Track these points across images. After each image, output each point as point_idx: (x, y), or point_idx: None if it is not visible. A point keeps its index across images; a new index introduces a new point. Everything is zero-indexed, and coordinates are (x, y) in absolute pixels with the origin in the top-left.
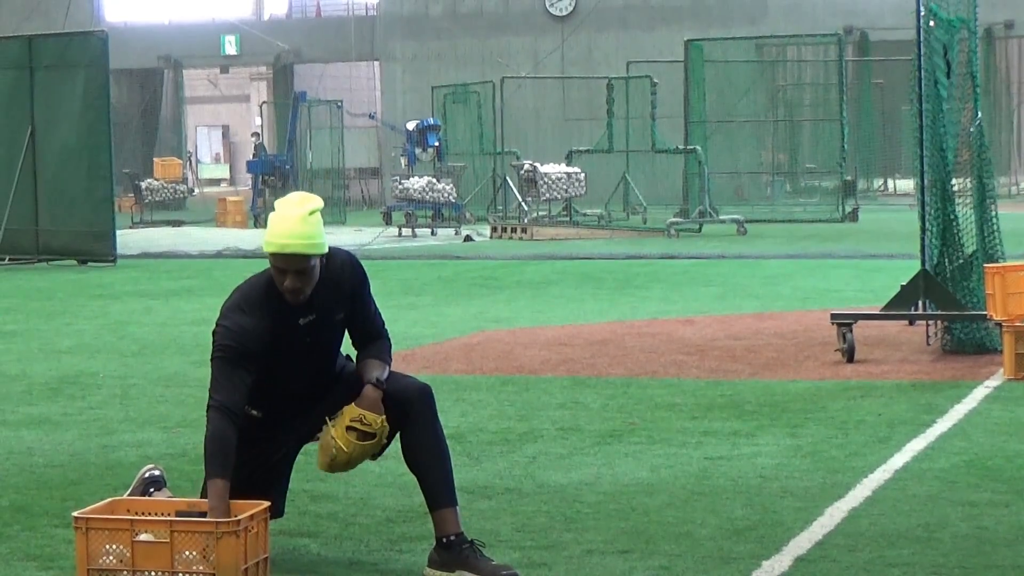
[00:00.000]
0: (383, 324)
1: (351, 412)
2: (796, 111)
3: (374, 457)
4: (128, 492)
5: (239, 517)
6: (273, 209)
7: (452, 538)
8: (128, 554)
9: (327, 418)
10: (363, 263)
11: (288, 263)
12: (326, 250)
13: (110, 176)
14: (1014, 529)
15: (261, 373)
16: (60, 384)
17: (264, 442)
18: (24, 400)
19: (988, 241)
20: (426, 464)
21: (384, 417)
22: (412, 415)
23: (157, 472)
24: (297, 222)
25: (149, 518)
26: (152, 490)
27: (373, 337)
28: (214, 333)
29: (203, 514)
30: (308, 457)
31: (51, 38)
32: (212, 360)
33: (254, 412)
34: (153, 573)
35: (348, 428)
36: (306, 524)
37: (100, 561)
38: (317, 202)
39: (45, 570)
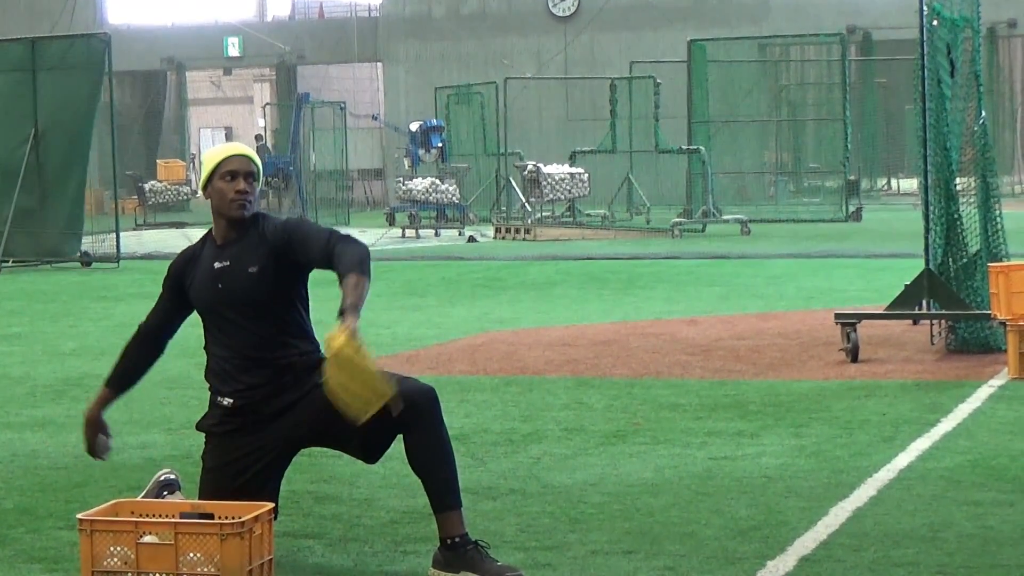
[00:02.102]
0: (339, 234)
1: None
2: (799, 111)
3: (367, 461)
4: (143, 494)
5: (244, 518)
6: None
7: (456, 539)
8: (133, 556)
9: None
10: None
11: (241, 164)
12: (261, 173)
13: (114, 178)
14: (1019, 528)
15: (207, 329)
16: (64, 386)
17: (242, 438)
18: (28, 402)
19: (992, 240)
20: (431, 466)
21: (342, 332)
22: (417, 418)
23: (172, 476)
24: (234, 143)
25: (153, 520)
26: (166, 493)
27: (334, 247)
28: None
29: (208, 516)
30: (312, 458)
31: (54, 40)
32: None
33: (226, 401)
34: (158, 575)
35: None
36: (310, 525)
37: (105, 563)
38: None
39: (50, 572)
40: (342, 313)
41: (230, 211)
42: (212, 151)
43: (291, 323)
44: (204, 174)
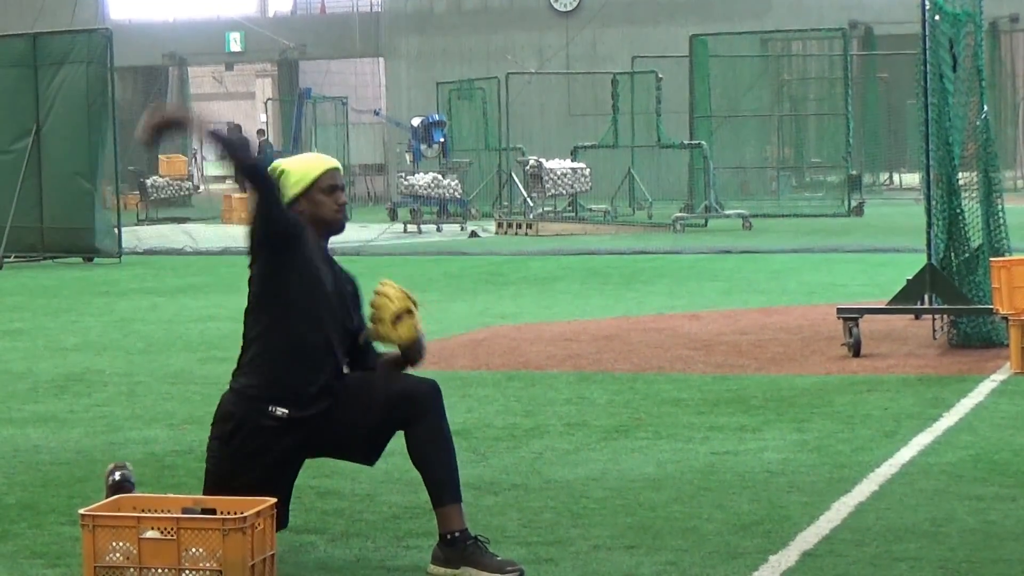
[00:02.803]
0: None
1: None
2: (801, 106)
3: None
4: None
5: (246, 514)
6: None
7: (456, 534)
8: (135, 551)
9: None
10: (368, 259)
11: (339, 179)
12: None
13: (115, 173)
14: (1021, 523)
15: (297, 299)
16: (66, 382)
17: (268, 452)
18: (30, 398)
19: (994, 235)
20: (431, 461)
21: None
22: (420, 412)
23: (118, 476)
24: (320, 155)
25: (155, 515)
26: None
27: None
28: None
29: (211, 511)
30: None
31: (55, 36)
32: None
33: (279, 411)
34: (160, 570)
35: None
36: (312, 521)
37: (107, 558)
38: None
39: (52, 567)
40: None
41: (335, 221)
42: (303, 164)
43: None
44: (296, 189)
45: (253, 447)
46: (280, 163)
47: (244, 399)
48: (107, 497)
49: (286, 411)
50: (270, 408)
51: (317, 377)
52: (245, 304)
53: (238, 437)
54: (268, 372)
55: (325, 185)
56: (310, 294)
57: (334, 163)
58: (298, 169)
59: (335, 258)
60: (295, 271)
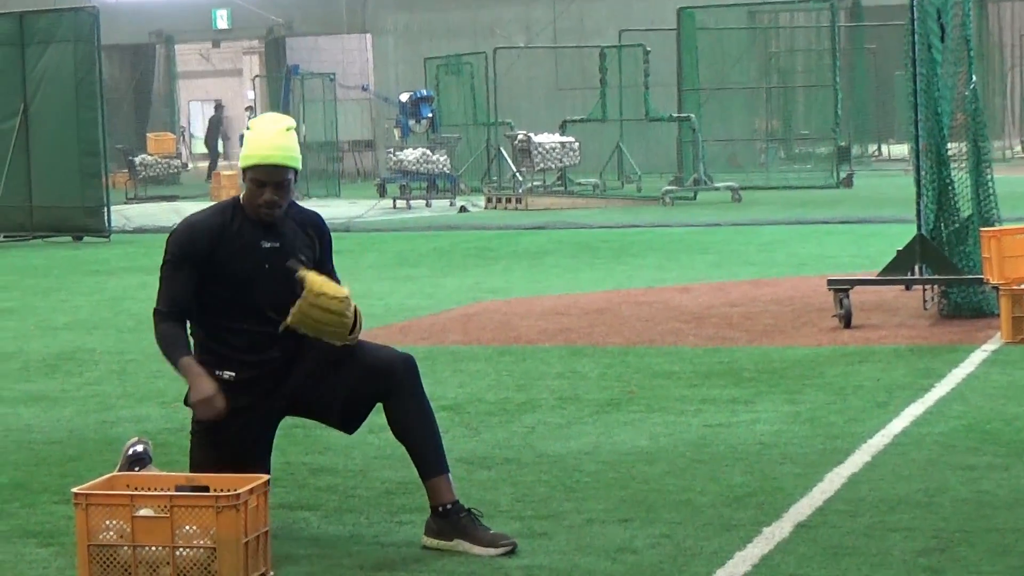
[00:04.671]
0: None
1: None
2: (789, 78)
3: (344, 430)
4: (117, 469)
5: (239, 491)
6: None
7: (448, 507)
8: (128, 529)
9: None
10: (358, 235)
11: (268, 175)
12: (300, 166)
13: (102, 151)
14: (1014, 492)
15: (219, 307)
16: (57, 361)
17: (243, 413)
18: (21, 377)
19: (984, 205)
20: (414, 434)
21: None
22: (396, 385)
23: (140, 448)
24: (276, 136)
25: (149, 493)
26: (137, 468)
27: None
28: (166, 242)
29: (203, 488)
30: (307, 430)
31: (42, 14)
32: (160, 268)
33: (227, 374)
34: (154, 548)
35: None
36: (306, 497)
37: (100, 537)
38: (291, 120)
39: (45, 546)
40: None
41: (257, 215)
42: (249, 143)
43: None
44: (241, 164)
45: None
46: (252, 123)
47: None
48: (120, 469)
49: (232, 373)
50: (217, 372)
51: (253, 346)
52: None
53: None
54: (210, 347)
55: (253, 176)
56: (230, 291)
57: (269, 156)
58: (246, 145)
59: (300, 204)
60: (207, 284)
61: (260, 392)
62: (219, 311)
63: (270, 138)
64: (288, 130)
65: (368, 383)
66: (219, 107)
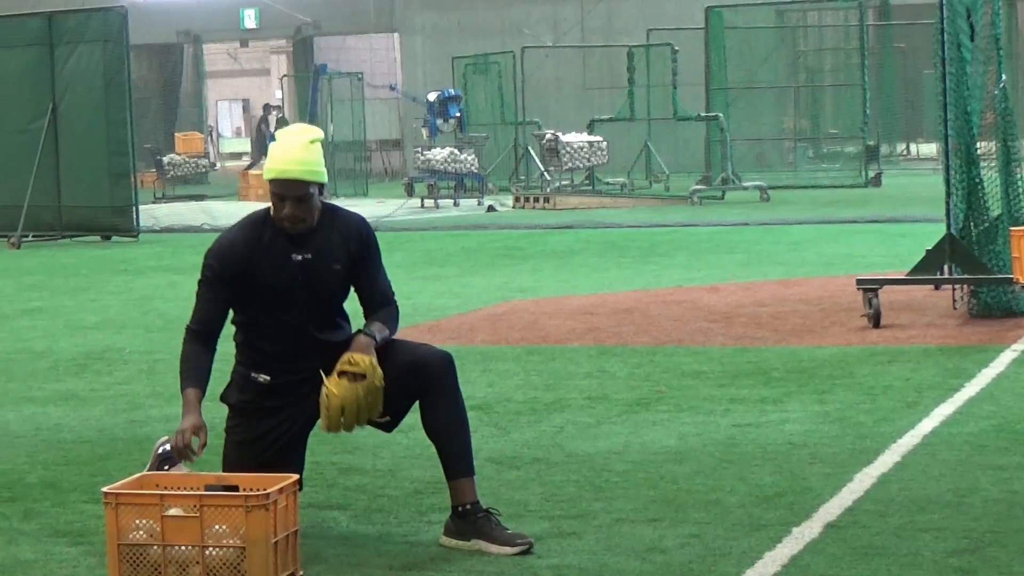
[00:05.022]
0: (392, 294)
1: (340, 360)
2: (818, 77)
3: (384, 429)
4: (147, 468)
5: (269, 490)
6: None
7: (468, 507)
8: (158, 528)
9: (323, 373)
10: (386, 235)
11: (287, 189)
12: (325, 179)
13: (131, 151)
14: None
15: (254, 317)
16: (86, 360)
17: (278, 413)
18: (51, 376)
19: (1013, 204)
20: (445, 433)
21: (374, 358)
22: (433, 383)
23: (171, 447)
24: (298, 149)
25: (179, 492)
26: (167, 467)
27: (380, 304)
28: (203, 258)
29: (233, 488)
30: None
31: (71, 14)
32: (197, 283)
33: (262, 378)
34: (183, 547)
35: (339, 374)
36: (335, 497)
37: (130, 536)
38: (318, 132)
39: (75, 545)
40: (370, 331)
41: (280, 225)
42: (270, 156)
43: (341, 312)
44: (264, 175)
45: (252, 409)
46: (278, 133)
47: (236, 376)
48: (150, 468)
49: (267, 377)
50: (252, 375)
51: (288, 353)
52: None
53: (239, 406)
54: (247, 351)
55: (272, 191)
56: (265, 304)
57: (288, 171)
58: (269, 157)
59: (341, 207)
60: (243, 297)
61: (295, 396)
62: (256, 321)
63: (292, 151)
64: (312, 142)
65: (406, 381)
66: (267, 108)
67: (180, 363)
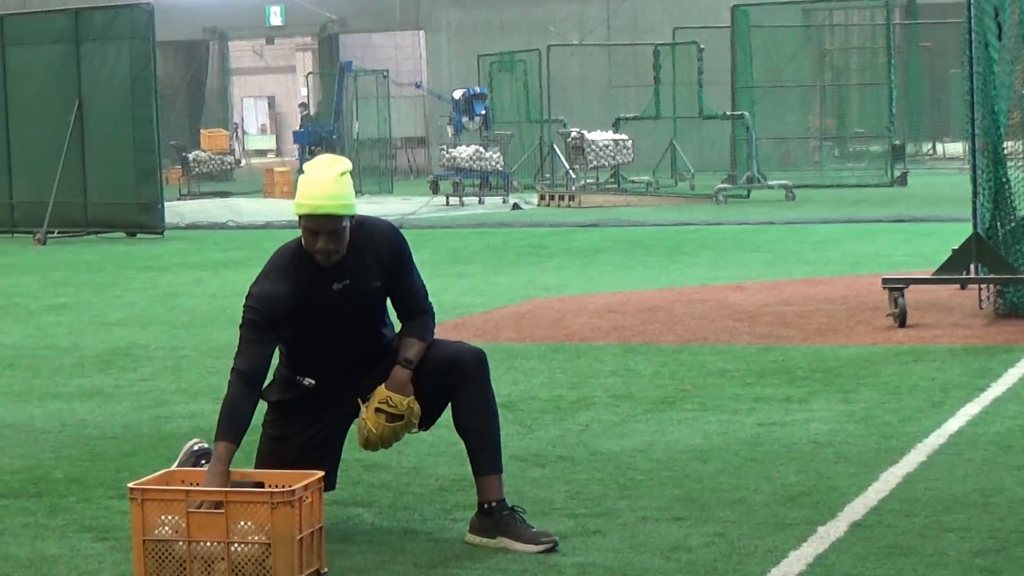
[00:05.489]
0: (426, 297)
1: (380, 394)
2: (843, 75)
3: (419, 429)
4: (176, 464)
5: (294, 487)
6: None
7: (493, 504)
8: (184, 525)
9: (360, 400)
10: (411, 232)
11: (320, 225)
12: (356, 211)
13: (157, 148)
14: None
15: (299, 340)
16: (112, 356)
17: (318, 412)
18: (76, 372)
19: None
20: (474, 430)
21: (412, 398)
22: (466, 380)
23: (206, 445)
24: (328, 183)
25: (204, 488)
26: (204, 462)
27: (414, 312)
28: (245, 299)
29: (258, 484)
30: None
31: (97, 11)
32: (240, 328)
33: (307, 381)
34: (209, 543)
35: (376, 410)
36: (360, 494)
37: (156, 532)
38: (346, 164)
39: (101, 541)
40: (408, 362)
41: (316, 259)
42: (299, 190)
43: (383, 320)
44: (294, 209)
45: (292, 408)
46: (306, 166)
47: (279, 376)
48: (182, 463)
49: (312, 381)
50: (298, 378)
51: (334, 364)
52: None
53: (279, 404)
54: (292, 360)
55: (304, 226)
56: (309, 333)
57: (320, 207)
58: (299, 191)
59: (372, 219)
60: (292, 335)
61: (337, 398)
62: (301, 345)
63: (323, 186)
64: (342, 175)
65: (440, 378)
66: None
67: (222, 407)
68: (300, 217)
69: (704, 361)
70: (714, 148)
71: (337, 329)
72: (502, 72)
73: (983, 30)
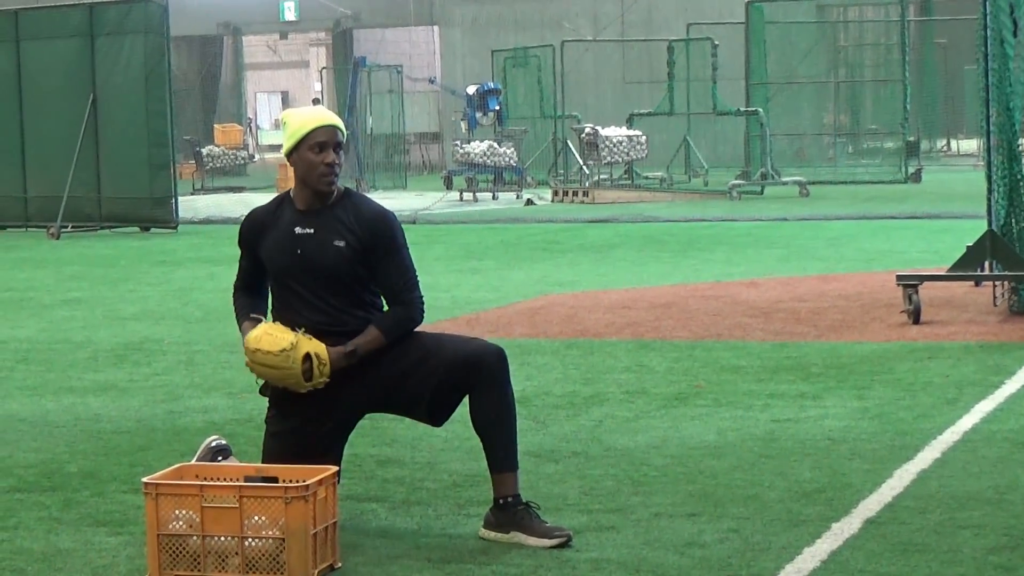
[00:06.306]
0: (413, 287)
1: (322, 350)
2: (858, 72)
3: (433, 424)
4: (195, 459)
5: (308, 482)
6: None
7: (508, 499)
8: (198, 519)
9: (304, 330)
10: (424, 228)
11: (329, 135)
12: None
13: (170, 142)
14: None
15: (276, 281)
16: (125, 351)
17: (316, 409)
18: (90, 367)
19: None
20: (492, 427)
21: (327, 379)
22: (485, 378)
23: (224, 441)
24: (318, 109)
25: (218, 483)
26: (220, 458)
27: (394, 298)
28: None
29: (272, 479)
30: (374, 422)
31: (111, 6)
32: None
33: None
34: (223, 538)
35: (306, 356)
36: (373, 489)
37: (170, 526)
38: None
39: (115, 535)
40: (352, 354)
41: (318, 184)
42: (299, 118)
43: (363, 299)
44: (290, 142)
45: (287, 399)
46: (286, 113)
47: None
48: (200, 458)
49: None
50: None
51: (310, 320)
52: None
53: (275, 396)
54: (277, 312)
55: (314, 141)
56: (273, 275)
57: (330, 120)
58: (294, 122)
59: (368, 198)
60: (262, 266)
61: (333, 396)
62: (276, 302)
63: (315, 110)
64: None
65: (457, 374)
66: (318, 101)
67: (234, 314)
68: (306, 137)
69: (718, 357)
70: (728, 144)
71: (292, 278)
72: (516, 68)
73: (998, 26)
